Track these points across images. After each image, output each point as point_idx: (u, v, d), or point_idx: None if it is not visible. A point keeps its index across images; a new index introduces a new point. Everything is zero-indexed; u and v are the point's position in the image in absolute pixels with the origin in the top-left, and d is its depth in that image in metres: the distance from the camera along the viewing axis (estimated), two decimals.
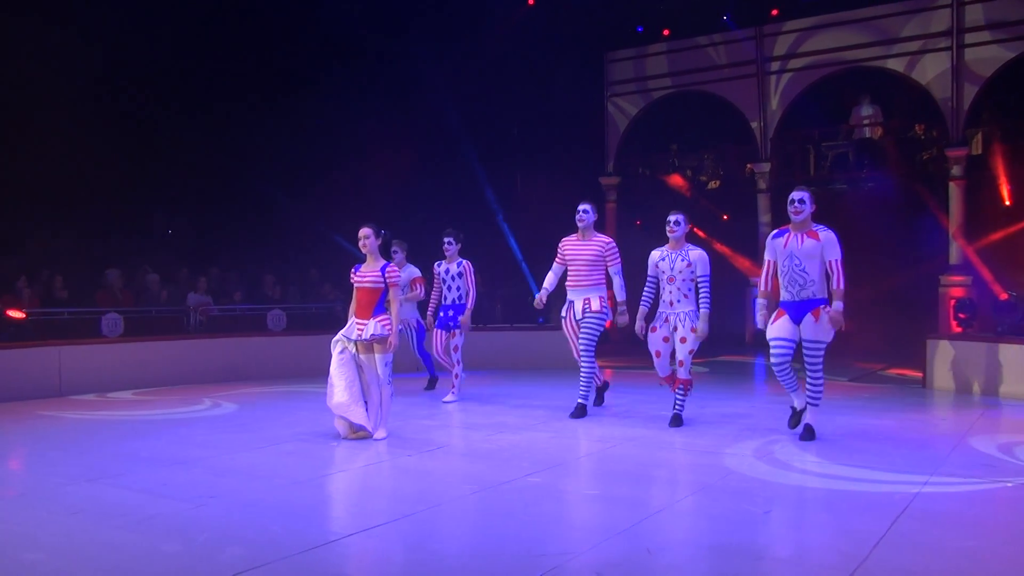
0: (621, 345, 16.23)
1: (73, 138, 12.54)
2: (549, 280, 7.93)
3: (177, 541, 4.03)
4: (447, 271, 8.86)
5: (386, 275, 6.49)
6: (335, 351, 6.57)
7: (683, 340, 6.87)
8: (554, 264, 7.88)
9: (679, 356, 6.91)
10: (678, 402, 7.12)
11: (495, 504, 4.66)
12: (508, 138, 17.71)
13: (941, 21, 14.48)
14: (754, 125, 16.44)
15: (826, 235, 6.21)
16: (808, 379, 6.27)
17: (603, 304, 7.55)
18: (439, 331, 8.84)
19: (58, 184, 12.71)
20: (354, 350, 6.55)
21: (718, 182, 17.31)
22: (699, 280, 6.84)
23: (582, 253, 7.64)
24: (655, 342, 7.02)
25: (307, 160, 15.33)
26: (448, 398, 8.71)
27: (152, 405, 8.65)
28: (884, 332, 14.29)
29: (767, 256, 6.48)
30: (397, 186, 14.74)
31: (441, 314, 8.89)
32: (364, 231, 6.57)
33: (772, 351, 6.34)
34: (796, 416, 6.63)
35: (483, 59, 16.07)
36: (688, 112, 17.45)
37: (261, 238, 14.24)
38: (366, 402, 6.55)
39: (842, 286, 6.10)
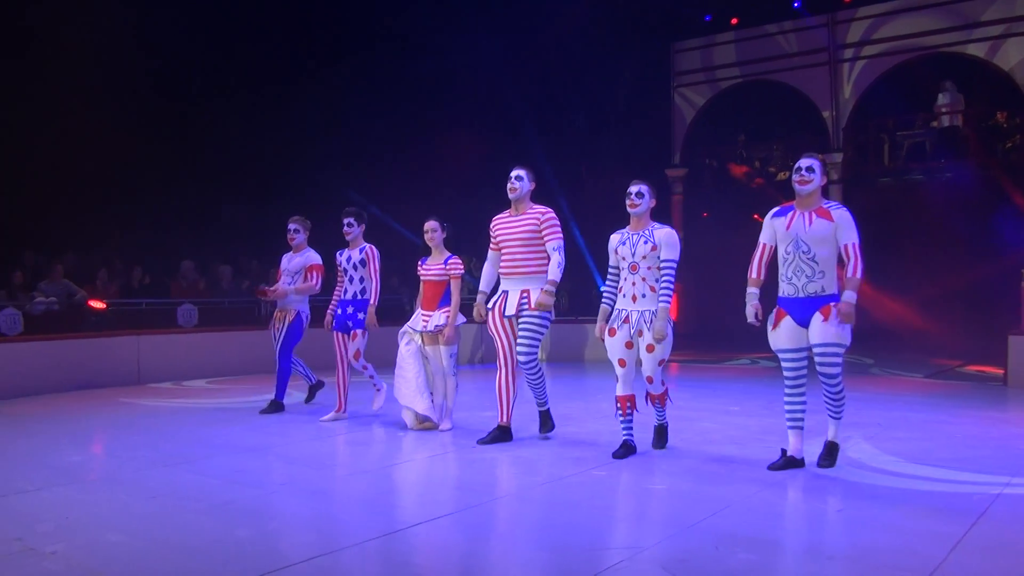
0: (686, 339, 16.06)
1: (147, 135, 12.97)
2: (486, 276, 6.29)
3: (250, 526, 4.13)
4: (348, 259, 7.20)
5: (448, 267, 6.56)
6: (402, 343, 6.66)
7: (650, 349, 5.41)
8: (488, 251, 6.29)
9: (646, 370, 5.48)
10: (659, 415, 5.81)
11: (560, 496, 4.66)
12: (573, 129, 17.65)
13: None
14: (826, 115, 16.05)
15: (839, 213, 5.03)
16: (826, 390, 5.17)
17: None
18: (336, 333, 7.22)
19: (134, 180, 13.16)
20: (420, 341, 6.62)
21: (788, 173, 16.95)
22: (663, 265, 5.40)
23: (515, 231, 6.07)
24: (617, 349, 5.52)
25: (373, 152, 15.54)
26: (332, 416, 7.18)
27: (225, 394, 8.89)
28: (962, 328, 13.83)
29: (762, 239, 5.25)
30: (461, 176, 14.84)
31: (339, 311, 7.22)
32: (430, 224, 6.65)
33: (785, 368, 5.20)
34: (789, 462, 5.22)
35: (548, 49, 16.03)
36: (757, 102, 17.13)
37: (329, 231, 14.49)
38: (431, 393, 6.62)
39: (859, 274, 4.92)
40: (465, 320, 6.70)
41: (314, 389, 8.06)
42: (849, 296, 4.93)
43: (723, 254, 14.77)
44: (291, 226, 7.65)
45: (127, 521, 4.13)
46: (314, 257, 7.61)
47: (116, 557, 3.59)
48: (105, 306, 10.43)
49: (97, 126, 12.72)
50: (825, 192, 5.21)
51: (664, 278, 5.38)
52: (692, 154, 17.91)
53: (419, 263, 6.82)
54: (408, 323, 6.75)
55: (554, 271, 5.90)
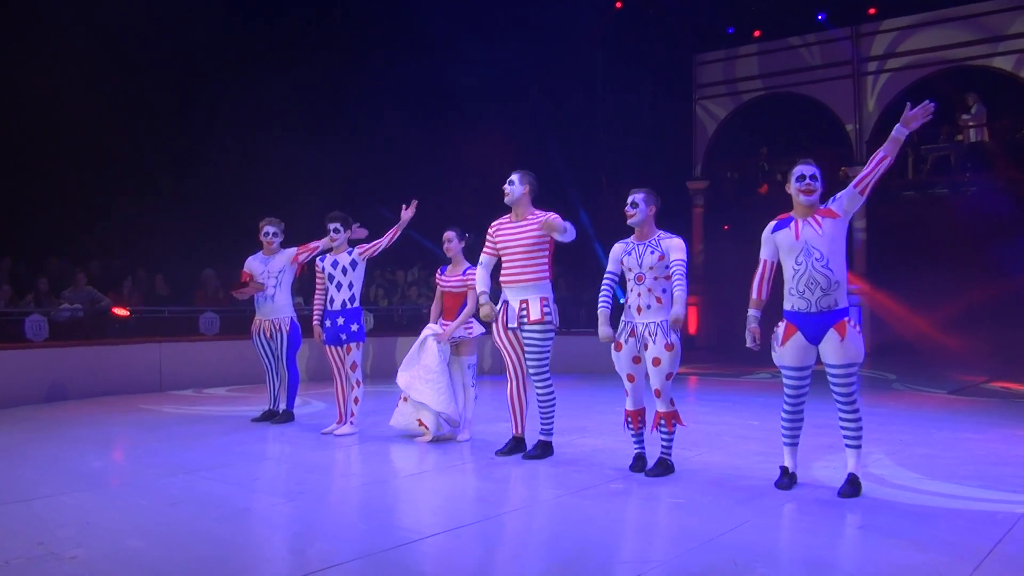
0: (705, 352, 15.97)
1: (170, 145, 13.11)
2: (483, 279, 5.97)
3: (268, 534, 4.16)
4: (334, 263, 6.89)
5: (466, 277, 6.54)
6: (436, 347, 6.52)
7: (656, 362, 5.21)
8: (483, 255, 6.00)
9: (654, 383, 5.27)
10: (664, 442, 5.43)
11: (577, 509, 4.64)
12: (594, 140, 17.67)
13: None
14: (849, 128, 15.98)
15: (839, 200, 4.85)
16: (843, 416, 4.89)
17: (545, 309, 5.81)
18: (329, 347, 6.94)
19: (157, 189, 13.29)
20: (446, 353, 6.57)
21: None
22: (672, 264, 5.22)
23: (516, 237, 5.85)
24: (624, 364, 5.37)
25: (393, 161, 15.62)
26: (344, 429, 6.89)
27: (245, 401, 8.94)
28: (987, 343, 13.65)
29: (763, 255, 4.98)
30: (481, 186, 14.88)
31: (328, 323, 6.86)
32: (447, 234, 6.65)
33: (789, 386, 4.94)
34: (791, 476, 5.07)
35: (570, 60, 16.05)
36: (779, 115, 17.10)
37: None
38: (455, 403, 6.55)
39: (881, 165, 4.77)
40: (484, 331, 6.65)
41: (271, 414, 7.57)
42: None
43: (744, 267, 14.68)
44: (270, 229, 7.45)
45: (147, 527, 4.15)
46: (292, 248, 7.46)
47: (135, 563, 3.61)
48: (128, 313, 10.53)
49: (121, 135, 12.90)
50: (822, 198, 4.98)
51: (676, 274, 5.17)
52: (713, 167, 17.88)
53: (438, 272, 6.81)
54: (427, 333, 6.69)
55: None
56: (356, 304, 6.87)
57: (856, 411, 4.86)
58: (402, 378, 6.61)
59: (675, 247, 5.28)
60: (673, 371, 5.27)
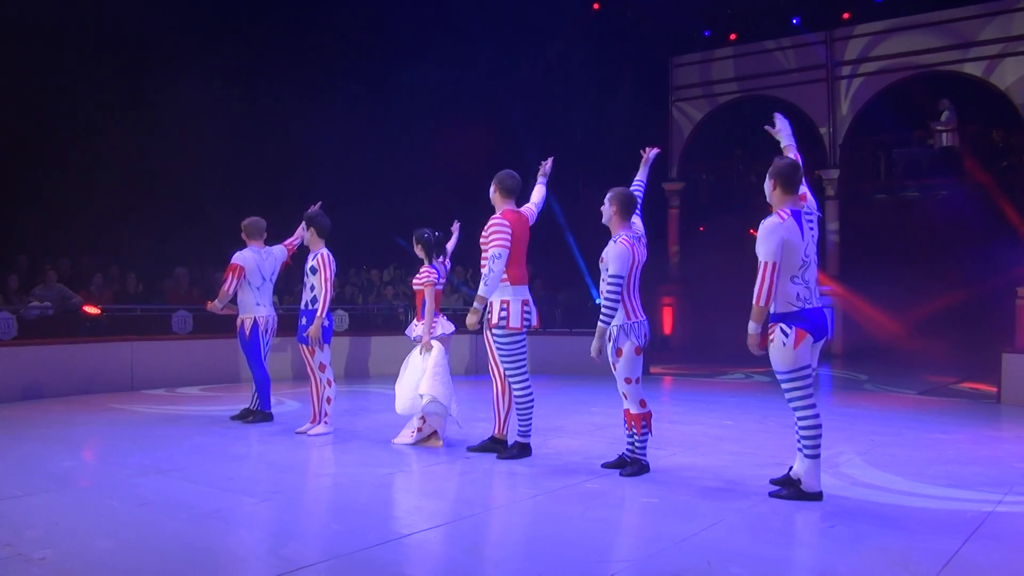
0: (680, 352, 16.06)
1: (142, 140, 12.97)
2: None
3: (240, 535, 4.12)
4: (306, 262, 6.87)
5: (419, 276, 6.46)
6: (437, 346, 6.43)
7: (613, 365, 5.30)
8: (504, 251, 5.71)
9: (618, 385, 5.32)
10: (637, 445, 5.39)
11: (553, 509, 4.65)
12: (571, 141, 17.70)
13: (1023, 23, 14.00)
14: (823, 131, 16.13)
15: (761, 226, 4.62)
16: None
17: (502, 312, 5.73)
18: (299, 345, 6.91)
19: (130, 185, 13.14)
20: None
21: None
22: (606, 284, 5.17)
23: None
24: None
25: (369, 160, 15.54)
26: (318, 429, 6.81)
27: (218, 401, 8.86)
28: (957, 345, 13.83)
29: None
30: (459, 187, 14.88)
31: (299, 321, 6.86)
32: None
33: None
34: (785, 481, 4.94)
35: (548, 63, 16.06)
36: (754, 117, 17.18)
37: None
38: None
39: (755, 300, 4.50)
40: (455, 330, 6.62)
41: (247, 413, 7.44)
42: (749, 326, 4.54)
43: (719, 268, 14.80)
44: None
45: (117, 528, 4.10)
46: (232, 257, 7.21)
47: (105, 564, 3.57)
48: (99, 311, 10.39)
49: (93, 132, 12.73)
50: (821, 205, 4.90)
51: (603, 298, 5.15)
52: (689, 169, 17.99)
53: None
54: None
55: (480, 285, 5.62)
56: (317, 306, 6.68)
57: (802, 418, 4.69)
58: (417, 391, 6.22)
59: (611, 257, 5.18)
60: (631, 376, 5.23)
